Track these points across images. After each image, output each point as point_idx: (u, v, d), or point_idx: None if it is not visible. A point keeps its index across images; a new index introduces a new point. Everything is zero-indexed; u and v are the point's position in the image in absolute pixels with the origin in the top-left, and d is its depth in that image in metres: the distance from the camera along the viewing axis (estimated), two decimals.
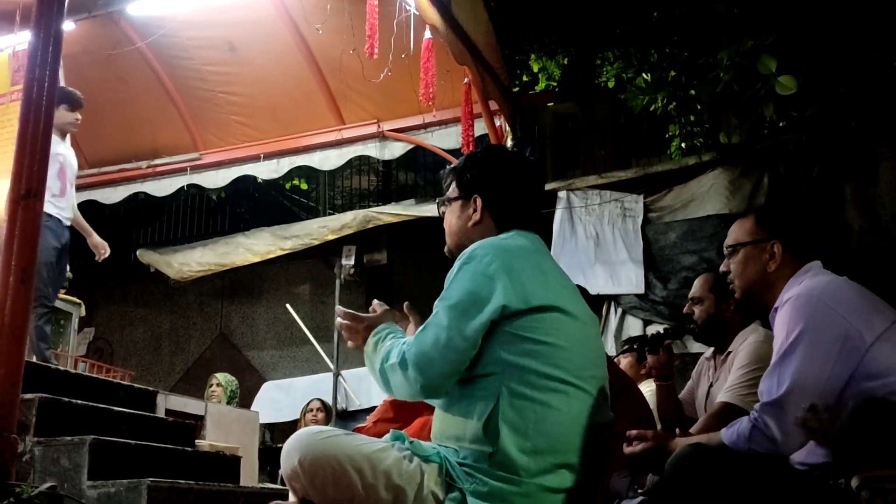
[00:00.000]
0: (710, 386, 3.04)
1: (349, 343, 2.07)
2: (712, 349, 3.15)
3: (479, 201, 2.07)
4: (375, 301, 2.13)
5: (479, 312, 1.82)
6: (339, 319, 2.07)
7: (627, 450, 2.11)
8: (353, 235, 7.61)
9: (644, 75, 7.26)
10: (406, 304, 2.24)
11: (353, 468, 1.80)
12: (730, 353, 2.96)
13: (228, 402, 6.08)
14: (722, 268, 2.36)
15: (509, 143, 5.68)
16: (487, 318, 1.82)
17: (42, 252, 3.36)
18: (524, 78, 8.22)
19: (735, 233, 2.33)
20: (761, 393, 2.00)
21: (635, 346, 3.24)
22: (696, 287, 3.10)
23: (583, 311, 1.98)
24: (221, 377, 6.38)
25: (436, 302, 1.90)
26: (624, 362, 4.45)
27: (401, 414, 3.09)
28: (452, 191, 2.14)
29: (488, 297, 1.83)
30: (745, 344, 2.89)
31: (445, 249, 2.16)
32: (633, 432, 2.13)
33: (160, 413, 4.08)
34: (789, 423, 1.89)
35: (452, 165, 2.20)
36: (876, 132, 5.07)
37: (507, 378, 1.81)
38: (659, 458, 1.99)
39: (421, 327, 1.89)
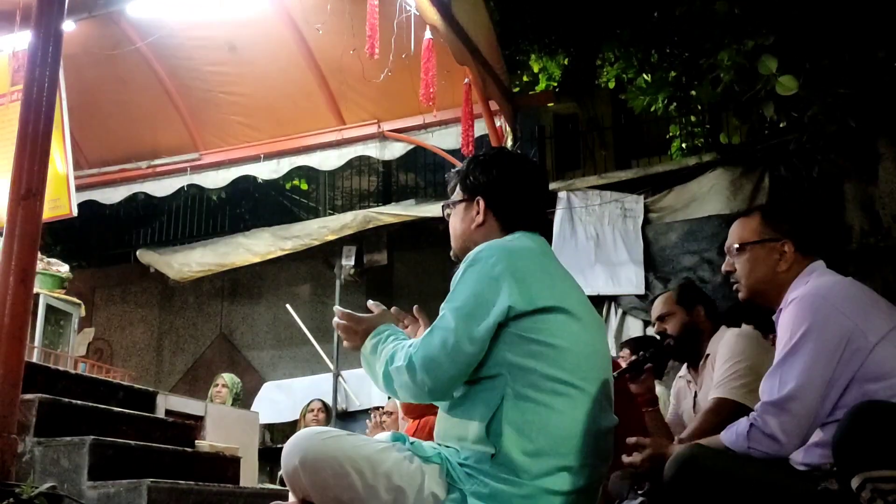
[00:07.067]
0: (696, 396, 3.04)
1: (346, 343, 2.05)
2: (685, 366, 3.16)
3: (481, 203, 2.06)
4: (371, 302, 2.11)
5: (486, 315, 1.82)
6: (336, 319, 2.05)
7: (627, 460, 2.11)
8: (354, 236, 7.62)
9: (644, 76, 7.27)
10: (416, 307, 2.23)
11: (354, 469, 1.80)
12: (707, 355, 2.98)
13: (232, 403, 6.07)
14: (725, 267, 2.30)
15: (509, 143, 5.68)
16: (494, 321, 1.81)
17: None
18: (524, 78, 8.23)
19: (739, 232, 2.28)
20: (762, 392, 1.99)
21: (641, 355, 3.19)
22: (660, 306, 3.11)
23: (588, 313, 1.98)
24: (227, 378, 6.37)
25: (442, 304, 1.90)
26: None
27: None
28: (456, 194, 2.14)
29: (494, 299, 1.82)
30: (722, 342, 2.91)
31: (452, 254, 2.15)
32: (632, 440, 2.13)
33: (160, 413, 4.07)
34: (790, 422, 1.89)
35: (456, 169, 2.20)
36: (876, 132, 5.07)
37: (512, 380, 1.81)
38: (659, 466, 1.98)
39: (428, 330, 1.88)
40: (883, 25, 4.66)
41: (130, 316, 9.14)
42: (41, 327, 4.87)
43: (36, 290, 4.02)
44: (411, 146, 6.20)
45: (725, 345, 2.88)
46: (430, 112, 5.55)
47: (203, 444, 3.84)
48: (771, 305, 2.21)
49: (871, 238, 5.16)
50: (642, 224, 6.48)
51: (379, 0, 4.33)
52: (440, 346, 1.82)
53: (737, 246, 2.26)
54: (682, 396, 3.17)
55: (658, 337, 3.13)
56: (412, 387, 1.85)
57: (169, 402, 4.32)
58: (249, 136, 6.42)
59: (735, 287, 2.29)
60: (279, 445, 5.57)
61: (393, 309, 2.12)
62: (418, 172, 9.47)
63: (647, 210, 6.54)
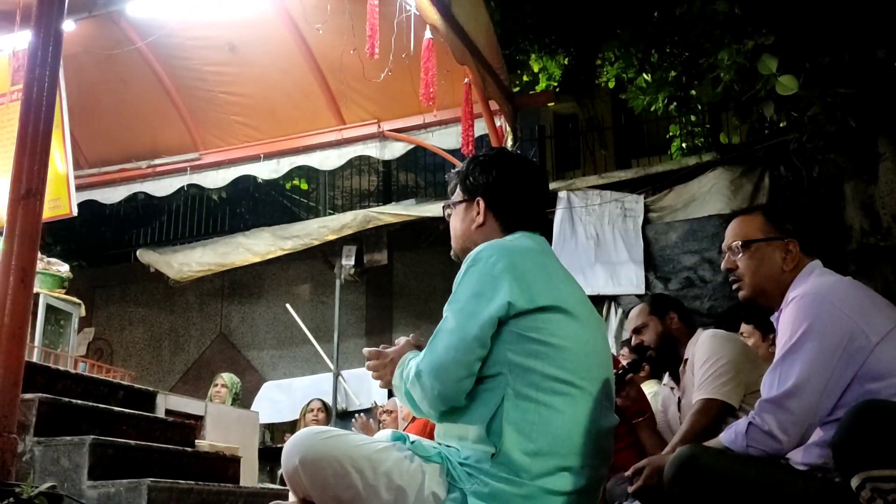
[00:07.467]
0: (680, 400, 3.04)
1: (379, 384, 2.05)
2: (667, 375, 3.17)
3: (481, 203, 2.07)
4: (402, 338, 2.12)
5: (486, 311, 1.82)
6: (368, 362, 2.06)
7: (631, 489, 2.13)
8: (354, 235, 7.61)
9: (644, 75, 7.27)
10: (412, 335, 2.23)
11: (354, 468, 1.80)
12: (686, 360, 2.98)
13: (232, 403, 6.07)
14: (726, 265, 2.25)
15: (509, 143, 5.68)
16: (494, 315, 1.81)
17: None
18: (525, 78, 8.24)
19: (742, 229, 2.24)
20: (762, 389, 1.99)
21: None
22: (634, 318, 3.12)
23: (588, 312, 1.98)
24: (227, 378, 6.38)
25: (444, 307, 1.90)
26: None
27: None
28: (456, 195, 2.14)
29: (494, 296, 1.83)
30: (697, 345, 2.92)
31: (452, 253, 2.16)
32: (628, 472, 2.14)
33: (160, 413, 4.07)
34: (789, 420, 1.89)
35: (456, 169, 2.20)
36: (876, 132, 5.07)
37: (513, 379, 1.81)
38: (660, 477, 1.98)
39: (433, 335, 1.89)
40: (883, 25, 4.66)
41: (130, 316, 9.14)
42: (41, 327, 4.87)
43: (36, 290, 4.02)
44: (411, 146, 6.20)
45: (701, 346, 2.88)
46: (430, 112, 5.56)
47: (203, 444, 3.84)
48: (772, 305, 2.19)
49: (871, 238, 5.15)
50: (642, 224, 6.48)
51: (379, 0, 4.33)
52: (444, 349, 1.83)
53: (740, 243, 2.21)
54: (668, 404, 3.18)
55: (619, 371, 3.11)
56: (423, 395, 1.85)
57: (169, 402, 4.32)
58: (249, 135, 6.42)
59: (736, 286, 2.25)
60: (279, 445, 5.57)
61: (411, 336, 2.12)
62: (418, 172, 9.47)
63: (647, 210, 6.53)
